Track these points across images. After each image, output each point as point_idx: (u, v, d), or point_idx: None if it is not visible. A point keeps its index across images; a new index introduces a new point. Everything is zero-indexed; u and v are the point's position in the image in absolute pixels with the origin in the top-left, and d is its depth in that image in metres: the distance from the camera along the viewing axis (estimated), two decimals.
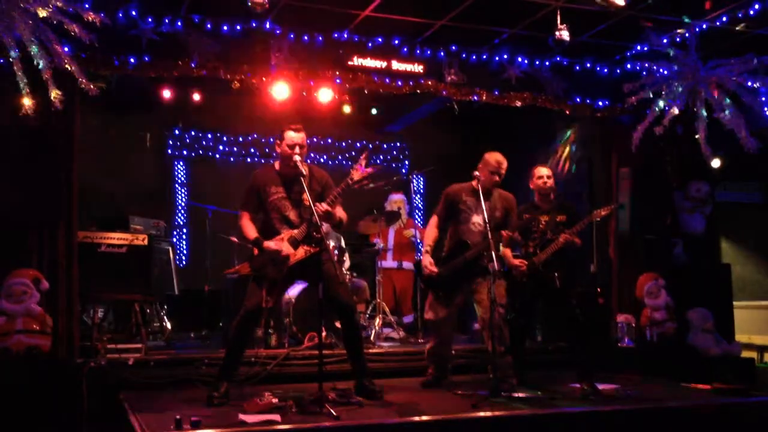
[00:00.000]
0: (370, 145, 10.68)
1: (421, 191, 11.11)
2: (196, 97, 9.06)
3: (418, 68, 7.23)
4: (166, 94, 8.73)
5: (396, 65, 7.16)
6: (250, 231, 5.11)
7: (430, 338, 5.95)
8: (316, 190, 5.09)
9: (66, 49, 5.68)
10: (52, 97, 5.58)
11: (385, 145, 11.01)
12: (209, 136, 10.13)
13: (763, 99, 7.07)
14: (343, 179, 4.96)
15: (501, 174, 5.65)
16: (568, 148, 8.72)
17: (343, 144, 10.70)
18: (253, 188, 5.21)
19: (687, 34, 7.10)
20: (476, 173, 5.67)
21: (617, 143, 7.94)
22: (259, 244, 5.04)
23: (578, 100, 7.74)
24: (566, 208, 6.05)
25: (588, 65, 7.80)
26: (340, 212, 5.09)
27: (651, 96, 7.30)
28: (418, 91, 7.33)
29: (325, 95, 7.58)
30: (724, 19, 6.91)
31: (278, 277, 5.09)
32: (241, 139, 10.23)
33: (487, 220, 5.41)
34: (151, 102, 8.96)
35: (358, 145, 10.67)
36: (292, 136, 5.08)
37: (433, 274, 5.63)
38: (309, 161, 5.42)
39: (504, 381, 5.33)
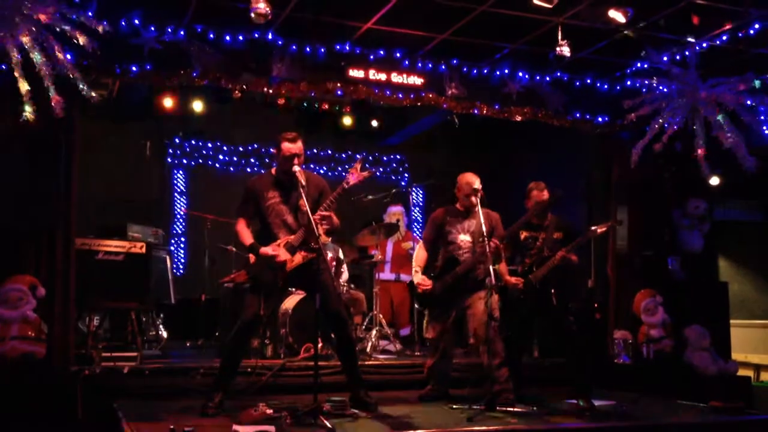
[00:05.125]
0: (370, 157, 10.71)
1: (420, 204, 11.12)
2: (197, 106, 9.09)
3: (419, 81, 7.25)
4: (167, 103, 8.75)
5: (397, 78, 7.18)
6: (246, 237, 5.11)
7: (431, 355, 5.95)
8: (313, 197, 5.09)
9: (68, 56, 5.68)
10: (53, 104, 5.58)
11: (384, 158, 11.03)
12: (209, 145, 10.15)
13: (762, 118, 7.09)
14: (339, 185, 4.97)
15: (476, 193, 5.61)
16: None
17: (343, 155, 10.72)
18: (249, 193, 5.21)
19: (687, 52, 7.13)
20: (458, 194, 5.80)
21: (616, 160, 7.96)
22: (255, 250, 5.03)
23: (578, 115, 7.76)
24: (563, 226, 6.05)
25: (588, 81, 7.83)
26: (334, 217, 5.09)
27: (650, 113, 7.33)
28: (419, 103, 7.36)
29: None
30: (725, 38, 6.94)
31: (275, 284, 5.08)
32: (241, 148, 10.25)
33: (474, 237, 5.57)
34: (151, 111, 8.98)
35: (357, 156, 10.68)
36: (289, 147, 5.08)
37: (428, 289, 5.65)
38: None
39: (503, 393, 5.32)
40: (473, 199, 5.62)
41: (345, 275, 7.73)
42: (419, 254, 5.89)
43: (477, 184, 5.65)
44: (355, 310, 7.51)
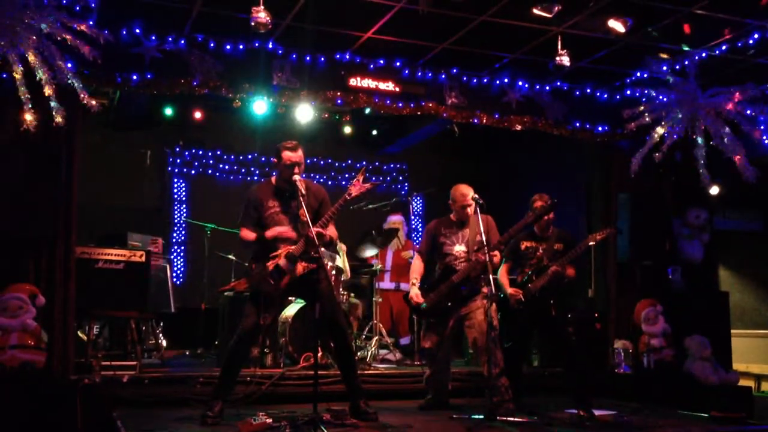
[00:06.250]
0: (370, 166, 10.72)
1: (421, 213, 11.12)
2: (198, 115, 9.10)
3: (419, 90, 7.26)
4: (168, 111, 8.76)
5: (397, 87, 7.20)
6: (251, 235, 5.12)
7: (428, 366, 5.93)
8: (312, 206, 5.09)
9: (69, 65, 5.70)
10: (53, 113, 5.59)
11: (384, 167, 11.04)
12: (209, 154, 10.16)
13: (762, 127, 7.10)
14: (341, 196, 4.97)
15: (470, 204, 5.63)
16: None
17: (343, 164, 10.74)
18: (250, 203, 5.21)
19: (687, 62, 7.15)
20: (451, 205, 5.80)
21: (616, 169, 7.96)
22: (262, 238, 5.04)
23: (578, 124, 7.77)
24: (564, 237, 6.04)
25: (588, 90, 7.85)
26: (331, 231, 5.09)
27: (650, 122, 7.34)
28: (419, 112, 7.36)
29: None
30: (724, 47, 6.96)
31: (276, 293, 5.07)
32: (241, 157, 10.26)
33: (469, 246, 5.59)
34: (152, 119, 8.99)
35: (358, 165, 10.71)
36: (290, 155, 5.09)
37: (419, 304, 5.66)
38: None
39: (501, 403, 5.31)
40: (468, 210, 5.64)
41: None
42: (416, 266, 5.89)
43: (471, 195, 5.66)
44: (351, 316, 7.50)
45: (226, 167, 10.23)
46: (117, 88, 6.60)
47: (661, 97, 7.34)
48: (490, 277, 5.16)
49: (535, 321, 5.94)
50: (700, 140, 7.16)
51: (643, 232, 7.82)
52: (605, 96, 7.89)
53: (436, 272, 5.85)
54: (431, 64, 7.35)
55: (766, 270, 10.88)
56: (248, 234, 5.14)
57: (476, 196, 5.58)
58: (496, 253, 5.55)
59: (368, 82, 7.09)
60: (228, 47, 6.62)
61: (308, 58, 6.90)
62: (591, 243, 5.91)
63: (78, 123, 6.04)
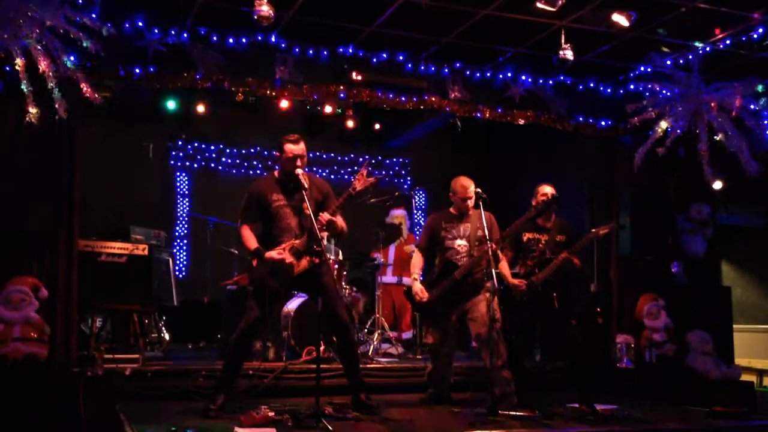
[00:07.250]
0: (373, 160, 10.71)
1: (423, 207, 11.11)
2: (200, 108, 9.10)
3: (422, 84, 7.25)
4: (171, 105, 8.76)
5: (400, 81, 7.18)
6: (251, 242, 5.09)
7: (430, 360, 5.93)
8: (316, 199, 5.09)
9: (72, 58, 5.70)
10: (56, 106, 5.59)
11: (387, 161, 11.03)
12: (212, 148, 10.15)
13: (766, 122, 7.08)
14: (345, 191, 4.96)
15: (471, 197, 5.61)
16: None
17: (346, 158, 10.73)
18: (253, 197, 5.20)
19: (690, 57, 7.13)
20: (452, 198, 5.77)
21: (619, 163, 7.95)
22: (260, 255, 5.01)
23: (581, 119, 7.76)
24: (567, 229, 6.04)
25: (591, 85, 7.83)
26: (341, 222, 5.09)
27: (653, 117, 7.32)
28: (422, 107, 7.36)
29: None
30: (728, 42, 6.94)
31: (280, 289, 5.08)
32: (244, 151, 10.25)
33: (470, 240, 5.56)
34: (155, 113, 8.99)
35: (360, 159, 10.70)
36: (292, 148, 5.08)
37: (423, 300, 5.65)
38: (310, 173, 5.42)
39: (505, 397, 5.31)
40: (468, 203, 5.63)
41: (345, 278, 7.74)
42: (416, 260, 5.86)
43: (472, 188, 5.65)
44: (353, 310, 7.52)
45: (229, 161, 10.23)
46: (120, 81, 6.57)
47: (664, 92, 7.32)
48: (492, 270, 5.15)
49: (537, 315, 5.94)
50: (703, 135, 7.15)
51: (646, 227, 7.81)
52: (608, 90, 7.88)
53: (436, 266, 5.84)
54: (434, 58, 7.34)
55: None
56: (248, 238, 5.11)
57: (479, 190, 5.57)
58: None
59: (371, 76, 7.06)
60: (231, 41, 6.61)
61: (311, 51, 6.88)
62: (594, 237, 5.91)
63: (80, 116, 6.04)
